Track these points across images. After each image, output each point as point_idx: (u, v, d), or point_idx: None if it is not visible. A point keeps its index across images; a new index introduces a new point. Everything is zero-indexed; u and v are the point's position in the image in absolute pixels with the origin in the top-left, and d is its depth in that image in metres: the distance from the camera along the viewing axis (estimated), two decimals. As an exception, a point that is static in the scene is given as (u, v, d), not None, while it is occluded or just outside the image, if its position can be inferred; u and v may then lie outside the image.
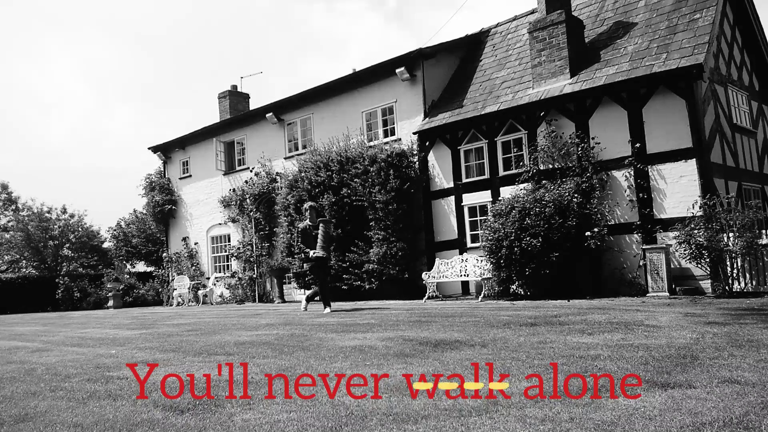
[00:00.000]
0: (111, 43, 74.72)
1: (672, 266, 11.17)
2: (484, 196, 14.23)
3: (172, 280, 21.91)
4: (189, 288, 20.14)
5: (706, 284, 10.86)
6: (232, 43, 77.10)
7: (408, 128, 15.79)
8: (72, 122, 74.28)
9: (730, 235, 10.21)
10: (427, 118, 15.41)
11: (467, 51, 17.12)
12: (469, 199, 14.54)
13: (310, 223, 10.86)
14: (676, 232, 10.93)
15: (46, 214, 34.09)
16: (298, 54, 79.58)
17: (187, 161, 22.79)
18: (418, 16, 71.70)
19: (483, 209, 14.17)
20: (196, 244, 22.17)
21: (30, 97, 72.27)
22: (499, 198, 13.43)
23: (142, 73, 77.06)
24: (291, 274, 17.22)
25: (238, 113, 22.10)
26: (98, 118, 75.03)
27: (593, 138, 12.45)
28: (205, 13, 75.40)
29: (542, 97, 13.09)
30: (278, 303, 17.22)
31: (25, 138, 67.17)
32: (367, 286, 14.89)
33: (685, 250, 10.50)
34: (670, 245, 11.14)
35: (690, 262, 10.76)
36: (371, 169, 14.87)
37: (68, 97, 76.35)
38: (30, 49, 72.23)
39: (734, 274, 10.29)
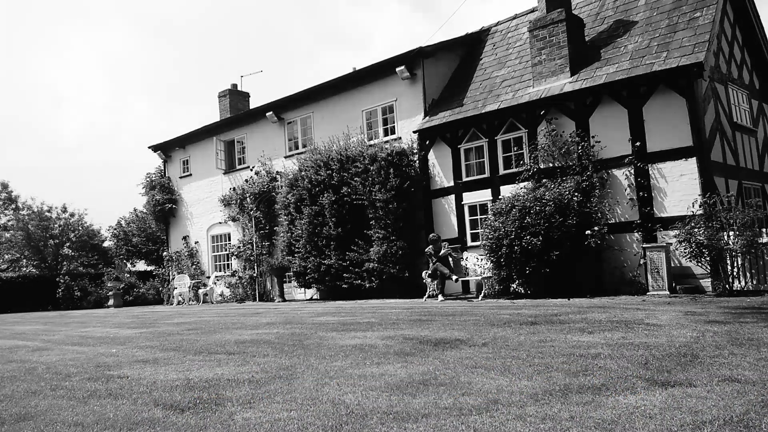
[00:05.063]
0: (115, 41, 74.74)
1: (672, 265, 11.17)
2: (484, 195, 14.23)
3: (173, 279, 21.91)
4: (189, 287, 20.14)
5: (707, 283, 10.85)
6: (242, 38, 77.07)
7: (408, 127, 15.79)
8: (72, 121, 74.31)
9: (731, 233, 10.21)
10: (427, 117, 15.41)
11: (467, 50, 17.11)
12: (470, 197, 14.53)
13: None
14: (676, 231, 10.92)
15: (46, 213, 34.11)
16: (319, 47, 79.20)
17: (187, 160, 22.79)
18: (445, 5, 70.76)
19: (483, 208, 14.17)
20: (196, 243, 22.17)
21: (28, 98, 72.30)
22: (500, 197, 13.42)
23: (143, 73, 77.09)
24: (291, 273, 17.23)
25: (239, 112, 22.10)
26: (98, 117, 75.07)
27: (593, 136, 12.45)
28: (220, 5, 75.34)
29: (542, 96, 13.09)
30: (279, 302, 17.22)
31: (26, 136, 67.20)
32: (367, 285, 14.89)
33: (685, 249, 10.50)
34: (671, 244, 11.14)
35: (690, 261, 10.76)
36: (371, 167, 14.87)
37: (67, 97, 76.38)
38: (31, 47, 72.26)
39: (734, 273, 10.29)
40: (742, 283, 10.34)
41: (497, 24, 17.18)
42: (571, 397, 3.10)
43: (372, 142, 15.99)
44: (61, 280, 25.00)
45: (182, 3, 74.79)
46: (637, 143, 11.85)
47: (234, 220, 20.25)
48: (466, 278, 13.68)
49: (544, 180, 12.75)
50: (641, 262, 11.53)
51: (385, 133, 16.45)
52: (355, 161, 15.35)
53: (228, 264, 20.99)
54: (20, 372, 5.09)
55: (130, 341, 7.15)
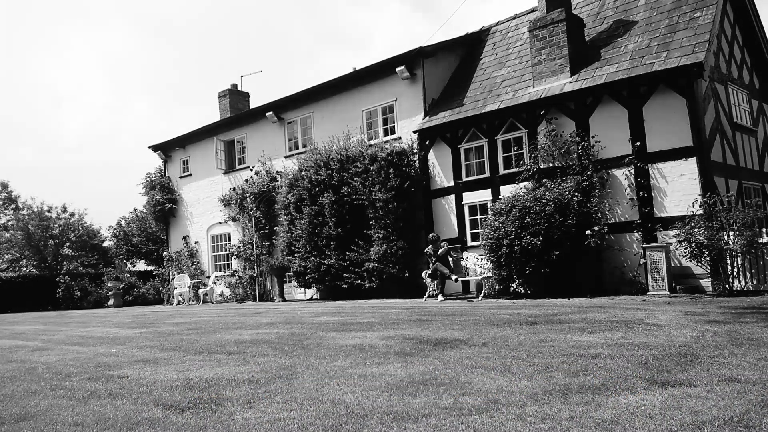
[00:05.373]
0: (115, 41, 74.72)
1: (672, 265, 11.16)
2: (484, 195, 14.22)
3: (173, 278, 21.90)
4: (189, 287, 20.13)
5: (707, 283, 10.85)
6: (242, 38, 77.04)
7: (408, 127, 15.78)
8: (71, 121, 74.30)
9: (731, 233, 10.21)
10: (427, 117, 15.40)
11: (467, 50, 17.10)
12: (470, 197, 14.53)
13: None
14: (676, 231, 10.92)
15: (46, 213, 34.09)
16: (319, 47, 79.01)
17: (187, 160, 22.79)
18: (445, 5, 70.66)
19: (483, 208, 14.17)
20: (196, 242, 22.17)
21: (28, 98, 72.28)
22: (500, 197, 13.42)
23: (143, 73, 77.06)
24: (291, 273, 17.23)
25: (239, 112, 22.10)
26: (98, 117, 75.06)
27: (593, 136, 12.45)
28: (220, 5, 75.30)
29: (542, 96, 13.08)
30: (279, 302, 17.22)
31: (26, 136, 67.21)
32: (367, 285, 14.89)
33: (685, 249, 10.50)
34: (671, 244, 11.14)
35: (690, 261, 10.76)
36: (371, 167, 14.87)
37: (67, 97, 76.37)
38: (31, 47, 72.23)
39: (734, 273, 10.29)
40: (742, 283, 10.33)
41: (497, 24, 17.18)
42: (571, 397, 3.10)
43: (372, 142, 15.99)
44: (61, 280, 25.00)
45: (182, 3, 74.81)
46: (637, 143, 11.85)
47: (234, 220, 20.24)
48: (466, 278, 13.68)
49: (544, 180, 12.75)
50: (641, 262, 11.53)
51: (385, 133, 16.45)
52: (355, 161, 15.35)
53: (228, 264, 20.98)
54: (20, 372, 5.09)
55: (130, 341, 7.15)
